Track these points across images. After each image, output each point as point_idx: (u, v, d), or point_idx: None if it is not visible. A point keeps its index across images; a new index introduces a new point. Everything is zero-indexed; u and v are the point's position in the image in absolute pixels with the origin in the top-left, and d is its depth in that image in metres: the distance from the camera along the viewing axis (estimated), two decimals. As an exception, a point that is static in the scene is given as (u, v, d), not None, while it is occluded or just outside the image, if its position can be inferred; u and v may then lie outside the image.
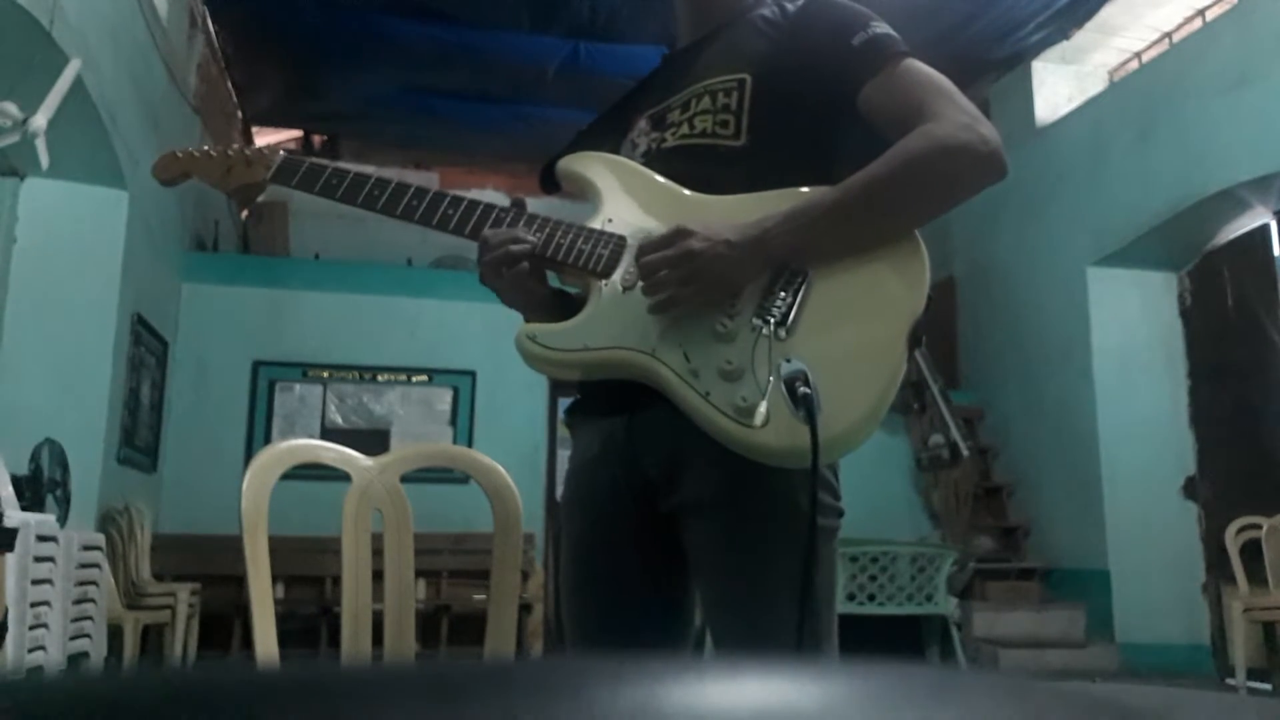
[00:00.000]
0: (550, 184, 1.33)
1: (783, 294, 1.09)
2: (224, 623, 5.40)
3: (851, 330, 1.08)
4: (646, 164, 1.24)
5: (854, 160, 1.14)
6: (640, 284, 1.11)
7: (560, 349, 1.13)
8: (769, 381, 1.03)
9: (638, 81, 1.40)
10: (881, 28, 1.18)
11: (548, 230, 1.18)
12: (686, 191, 1.19)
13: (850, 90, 1.17)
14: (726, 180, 1.18)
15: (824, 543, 1.10)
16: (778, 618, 1.08)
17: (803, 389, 1.00)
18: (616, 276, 1.15)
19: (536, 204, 1.24)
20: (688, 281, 1.07)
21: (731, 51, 1.26)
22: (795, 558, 1.05)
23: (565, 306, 1.20)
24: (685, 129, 1.24)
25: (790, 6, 1.27)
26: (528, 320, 1.21)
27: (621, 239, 1.17)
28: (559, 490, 4.59)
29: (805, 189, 1.13)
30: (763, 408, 1.01)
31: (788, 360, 1.04)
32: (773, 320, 1.07)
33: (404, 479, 1.53)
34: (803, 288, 1.09)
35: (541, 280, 1.21)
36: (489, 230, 1.19)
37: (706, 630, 1.20)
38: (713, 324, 1.08)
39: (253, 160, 1.32)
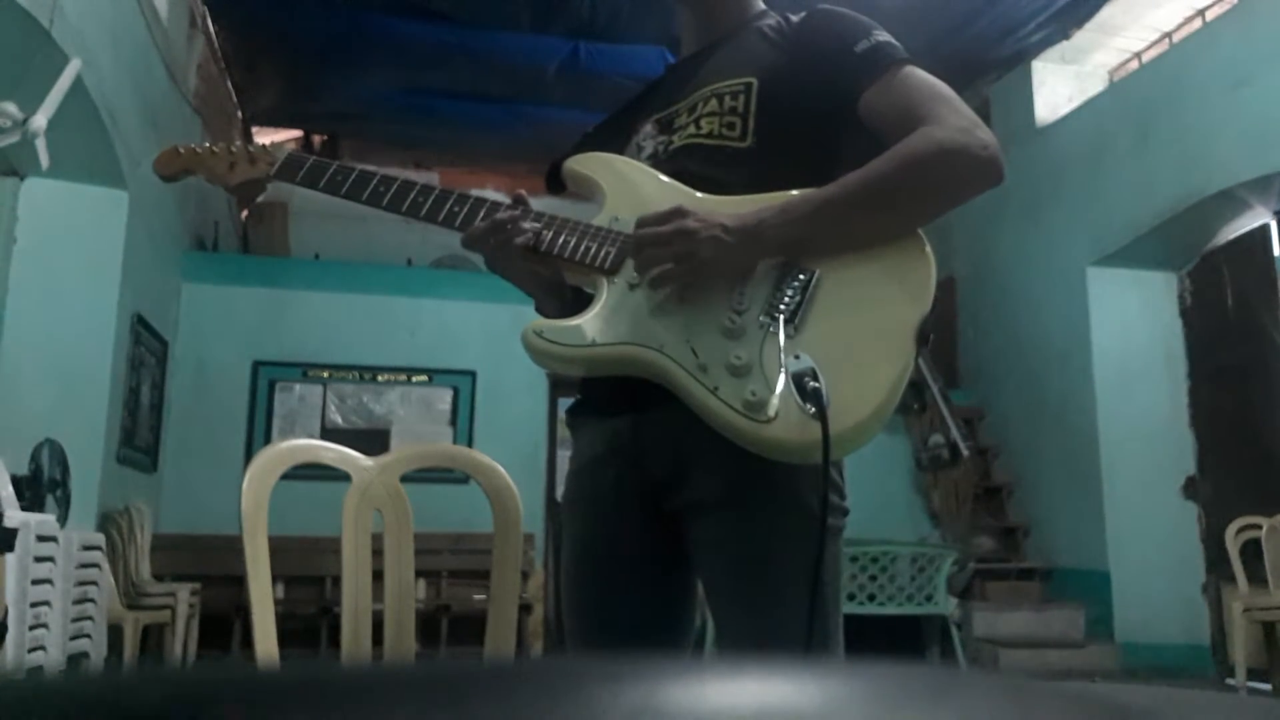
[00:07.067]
0: (556, 185, 1.33)
1: (791, 291, 1.10)
2: (224, 623, 5.40)
3: (859, 327, 1.09)
4: (653, 167, 1.25)
5: (857, 165, 1.15)
6: (645, 275, 1.12)
7: (568, 345, 1.13)
8: (779, 377, 1.03)
9: (643, 86, 1.42)
10: (883, 36, 1.20)
11: (554, 228, 1.19)
12: (691, 191, 1.20)
13: (852, 96, 1.18)
14: (732, 180, 1.19)
15: (830, 541, 1.11)
16: (784, 616, 1.09)
17: (812, 384, 1.00)
18: (623, 274, 1.16)
19: (536, 204, 1.24)
20: (682, 259, 1.09)
21: (738, 57, 1.27)
22: (802, 556, 1.05)
23: (575, 294, 1.21)
24: (692, 130, 1.25)
25: (794, 17, 1.30)
26: (539, 310, 1.22)
27: (628, 237, 1.17)
28: (559, 490, 4.58)
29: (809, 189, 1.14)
30: (774, 402, 1.02)
31: (796, 356, 1.04)
32: (781, 317, 1.08)
33: (404, 479, 1.53)
34: (811, 285, 1.10)
35: (547, 264, 1.21)
36: (469, 229, 1.20)
37: (706, 629, 1.20)
38: (721, 320, 1.09)
39: (256, 157, 1.31)
